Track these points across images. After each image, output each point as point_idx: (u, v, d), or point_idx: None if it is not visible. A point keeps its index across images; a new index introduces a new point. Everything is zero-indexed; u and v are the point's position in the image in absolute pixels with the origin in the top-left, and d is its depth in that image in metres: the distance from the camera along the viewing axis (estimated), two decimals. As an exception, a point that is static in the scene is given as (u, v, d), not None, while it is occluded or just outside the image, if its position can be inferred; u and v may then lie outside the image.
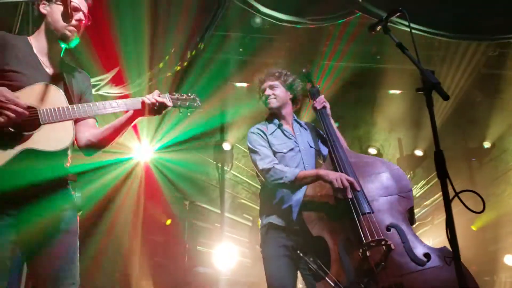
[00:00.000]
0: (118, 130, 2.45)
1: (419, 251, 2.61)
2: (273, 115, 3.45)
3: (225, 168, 7.75)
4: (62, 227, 2.28)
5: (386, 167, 2.99)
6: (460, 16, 5.45)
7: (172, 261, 7.14)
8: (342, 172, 2.88)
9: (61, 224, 2.28)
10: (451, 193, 1.85)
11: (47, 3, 2.41)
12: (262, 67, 7.46)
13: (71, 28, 2.39)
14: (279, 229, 3.11)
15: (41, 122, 2.13)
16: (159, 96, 2.44)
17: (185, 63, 5.61)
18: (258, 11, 5.67)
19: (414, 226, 2.87)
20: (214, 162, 7.74)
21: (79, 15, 2.41)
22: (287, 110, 3.44)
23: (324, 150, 3.35)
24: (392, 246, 2.58)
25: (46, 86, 2.24)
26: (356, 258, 2.64)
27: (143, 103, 2.39)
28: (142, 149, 7.31)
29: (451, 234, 1.78)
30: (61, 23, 2.37)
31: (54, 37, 2.40)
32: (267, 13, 5.65)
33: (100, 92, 5.06)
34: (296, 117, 3.52)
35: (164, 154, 7.40)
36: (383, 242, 2.60)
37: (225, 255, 6.74)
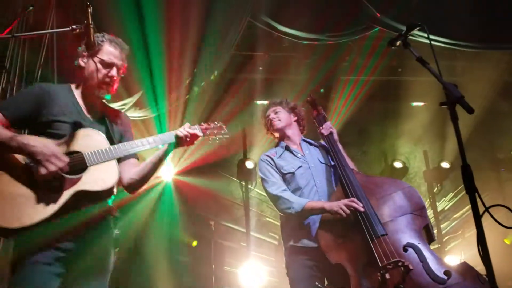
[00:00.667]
0: (156, 165, 2.60)
1: (439, 269, 2.55)
2: (280, 139, 3.58)
3: (249, 186, 7.74)
4: (106, 268, 2.43)
5: (396, 187, 2.97)
6: (482, 25, 5.39)
7: (200, 282, 7.12)
8: (353, 197, 2.91)
9: (105, 266, 2.43)
10: (481, 208, 1.80)
11: (85, 57, 2.55)
12: (282, 85, 7.67)
13: (104, 85, 2.54)
14: (301, 251, 3.14)
15: (87, 164, 2.29)
16: (190, 128, 2.60)
17: (203, 85, 5.67)
18: (277, 30, 5.73)
19: (434, 243, 2.81)
20: (238, 181, 7.73)
21: (112, 72, 2.54)
22: (294, 131, 3.58)
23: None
24: (411, 267, 2.54)
25: (88, 131, 2.41)
26: (376, 282, 2.60)
27: (176, 136, 2.54)
28: (165, 170, 7.37)
29: (483, 250, 1.73)
30: (95, 79, 2.51)
31: (91, 88, 2.54)
32: (285, 32, 5.71)
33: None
34: (304, 138, 3.63)
35: (187, 174, 7.44)
36: (400, 263, 2.57)
37: (252, 275, 6.69)
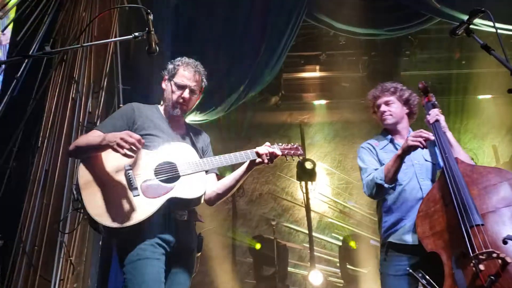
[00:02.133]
0: (238, 180, 2.76)
1: None
2: (387, 130, 3.40)
3: (309, 187, 7.71)
4: (191, 269, 2.65)
5: (502, 177, 2.82)
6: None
7: (263, 282, 7.17)
8: (455, 186, 2.79)
9: (191, 266, 2.65)
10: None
11: (167, 80, 2.83)
12: (340, 83, 7.59)
13: (178, 105, 2.75)
14: (398, 248, 3.05)
15: (180, 174, 2.53)
16: (270, 147, 2.74)
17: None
18: (333, 27, 5.67)
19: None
20: (298, 182, 7.73)
21: (185, 93, 2.74)
22: (403, 125, 3.36)
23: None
24: (509, 260, 2.40)
25: (181, 145, 2.69)
26: (470, 273, 2.51)
27: (257, 153, 2.69)
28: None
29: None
30: (171, 100, 2.76)
31: (169, 109, 2.79)
32: (342, 28, 5.63)
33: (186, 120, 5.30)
34: (412, 131, 3.38)
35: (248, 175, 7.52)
36: (494, 255, 2.44)
37: (316, 276, 6.65)
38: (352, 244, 7.37)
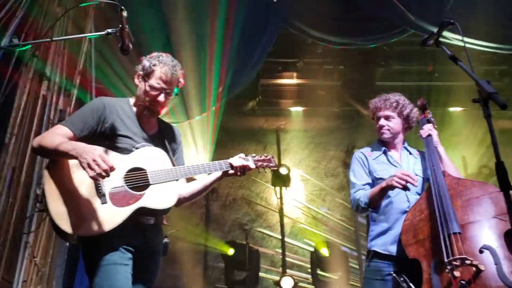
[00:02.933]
0: (207, 187, 2.78)
1: None
2: (382, 141, 3.40)
3: (283, 192, 7.74)
4: (155, 272, 2.59)
5: (485, 191, 2.92)
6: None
7: (234, 287, 7.14)
8: (438, 197, 2.87)
9: (155, 270, 2.59)
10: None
11: (141, 77, 2.63)
12: (316, 91, 7.66)
13: (151, 107, 2.60)
14: (383, 256, 3.10)
15: (150, 182, 2.44)
16: (244, 159, 2.75)
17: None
18: (309, 35, 5.73)
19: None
20: (272, 187, 7.74)
21: (160, 97, 2.58)
22: (399, 139, 3.37)
23: None
24: (482, 268, 2.49)
25: (152, 150, 2.57)
26: (445, 279, 2.60)
27: (230, 164, 2.69)
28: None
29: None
30: (145, 101, 2.59)
31: (141, 108, 2.63)
32: (318, 36, 5.70)
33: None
34: (407, 145, 3.43)
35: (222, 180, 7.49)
36: (468, 262, 2.53)
37: (287, 281, 6.65)
38: (323, 252, 7.42)
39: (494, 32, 5.32)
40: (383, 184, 2.93)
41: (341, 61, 7.25)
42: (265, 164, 2.86)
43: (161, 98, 2.58)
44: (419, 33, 5.39)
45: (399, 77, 7.33)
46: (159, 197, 2.46)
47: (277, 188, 7.69)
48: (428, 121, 3.41)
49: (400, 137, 3.38)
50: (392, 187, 2.86)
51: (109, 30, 2.43)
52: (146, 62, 2.63)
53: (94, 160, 2.19)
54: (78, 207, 2.28)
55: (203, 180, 2.76)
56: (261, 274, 7.39)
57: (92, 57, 4.27)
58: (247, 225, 7.62)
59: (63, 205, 2.27)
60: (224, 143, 8.19)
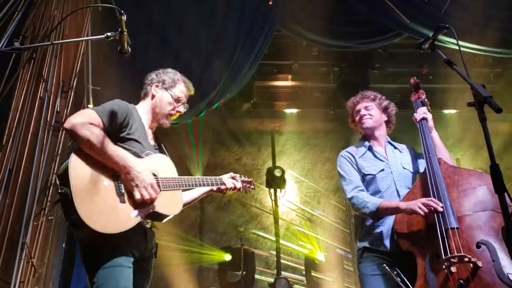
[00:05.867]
0: (196, 199, 2.96)
1: (510, 271, 2.41)
2: (365, 137, 3.42)
3: (278, 194, 7.76)
4: (150, 274, 2.66)
5: (482, 181, 2.82)
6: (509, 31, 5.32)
7: (229, 289, 7.16)
8: (434, 186, 2.82)
9: (150, 272, 2.66)
10: None
11: (159, 87, 2.79)
12: (311, 93, 7.70)
13: (170, 116, 2.79)
14: (373, 251, 3.08)
15: (161, 189, 2.48)
16: (234, 179, 3.00)
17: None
18: (305, 38, 5.76)
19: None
20: (267, 189, 7.77)
21: (180, 108, 2.80)
22: (381, 132, 3.39)
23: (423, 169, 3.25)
24: (480, 264, 2.44)
25: (162, 157, 2.67)
26: (441, 275, 2.55)
27: (222, 182, 2.92)
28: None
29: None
30: (165, 110, 2.75)
31: (156, 116, 2.77)
32: (315, 39, 5.73)
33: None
34: (390, 140, 3.45)
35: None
36: (466, 259, 2.48)
37: (282, 283, 6.67)
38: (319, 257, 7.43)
39: (489, 35, 5.38)
40: (403, 206, 2.86)
41: (336, 63, 7.32)
42: (247, 186, 3.14)
43: (182, 109, 2.80)
44: (413, 36, 5.44)
45: (393, 79, 7.38)
46: (168, 203, 2.53)
47: (272, 190, 7.71)
48: (423, 103, 3.38)
49: (382, 130, 3.39)
50: (413, 212, 2.78)
51: (108, 34, 2.44)
52: (165, 76, 2.83)
53: (145, 188, 2.35)
54: (98, 201, 2.26)
55: (193, 193, 2.93)
56: (256, 276, 7.40)
57: (89, 59, 4.28)
58: (241, 227, 7.63)
59: (86, 194, 2.24)
60: (219, 145, 8.23)
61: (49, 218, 3.40)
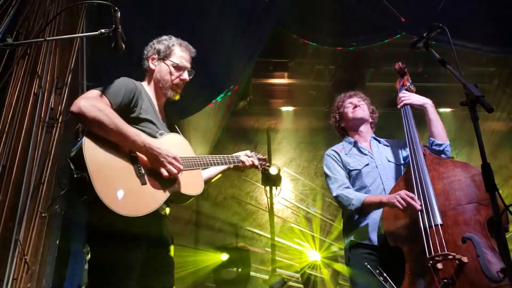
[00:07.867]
0: (211, 178, 2.85)
1: (495, 267, 2.38)
2: (349, 134, 3.49)
3: (274, 192, 7.77)
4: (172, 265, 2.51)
5: (467, 172, 2.77)
6: (506, 29, 5.33)
7: (224, 286, 7.15)
8: (419, 183, 2.79)
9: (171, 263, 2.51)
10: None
11: (156, 59, 2.65)
12: (307, 91, 7.69)
13: (176, 87, 2.62)
14: (360, 246, 3.11)
15: (182, 168, 2.37)
16: (251, 156, 2.88)
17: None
18: (302, 36, 5.76)
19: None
20: (262, 186, 7.78)
21: (184, 75, 2.63)
22: (366, 128, 3.46)
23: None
24: (465, 260, 2.43)
25: (178, 137, 2.57)
26: (428, 271, 2.53)
27: (240, 160, 2.80)
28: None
29: (503, 247, 1.72)
30: (168, 82, 2.61)
31: (161, 91, 2.62)
32: (311, 37, 5.73)
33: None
34: (374, 135, 3.50)
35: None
36: (450, 257, 2.47)
37: (277, 281, 6.69)
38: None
39: (484, 34, 5.39)
40: (384, 199, 2.88)
41: (332, 61, 7.32)
42: (263, 163, 2.99)
43: (186, 76, 2.63)
44: (409, 34, 5.44)
45: (389, 78, 7.38)
46: (189, 183, 2.43)
47: (267, 188, 7.72)
48: (407, 91, 3.36)
49: (368, 128, 3.48)
50: (392, 206, 2.80)
51: (103, 30, 2.42)
52: (159, 45, 2.67)
53: (170, 163, 2.28)
54: (119, 184, 2.13)
55: (213, 171, 2.84)
56: (251, 273, 7.42)
57: (84, 56, 4.26)
58: (237, 224, 7.63)
59: (106, 177, 2.11)
60: (214, 143, 8.21)
61: (43, 215, 3.36)
